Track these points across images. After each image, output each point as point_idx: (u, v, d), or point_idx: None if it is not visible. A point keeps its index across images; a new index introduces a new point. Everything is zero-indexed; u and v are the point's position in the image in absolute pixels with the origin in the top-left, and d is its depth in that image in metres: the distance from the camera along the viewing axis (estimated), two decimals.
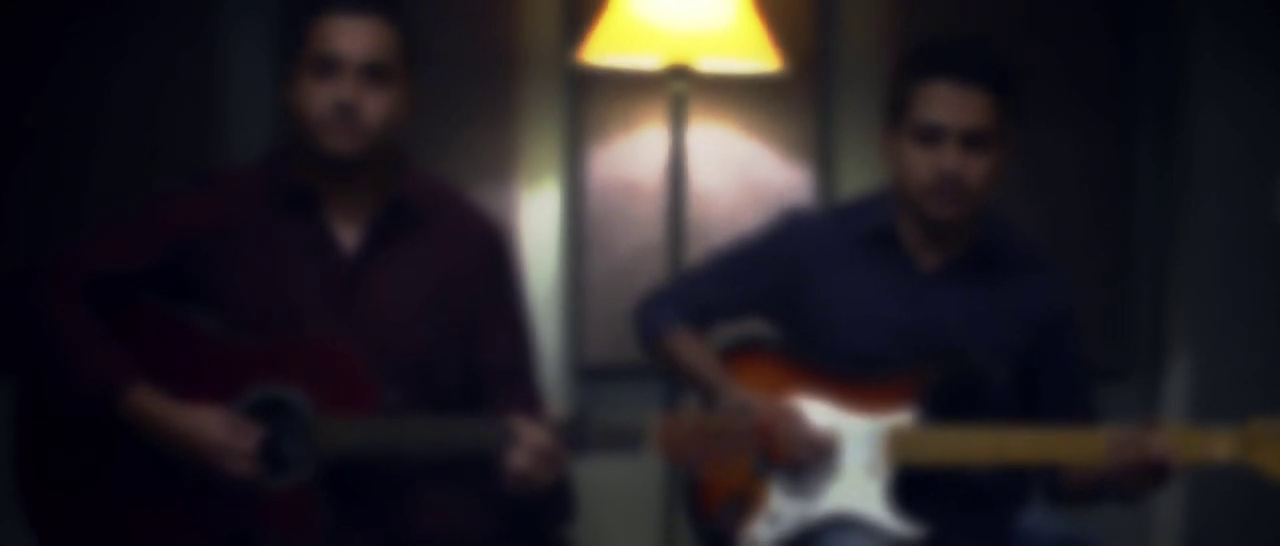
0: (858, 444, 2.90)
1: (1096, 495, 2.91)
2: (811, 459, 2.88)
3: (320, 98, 2.81)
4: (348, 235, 2.88)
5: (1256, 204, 4.06)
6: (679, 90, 3.85)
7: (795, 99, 4.10)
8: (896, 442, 2.89)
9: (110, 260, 2.83)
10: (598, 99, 4.10)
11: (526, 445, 2.72)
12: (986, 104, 2.86)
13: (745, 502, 2.92)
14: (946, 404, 2.90)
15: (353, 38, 2.81)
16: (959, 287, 2.97)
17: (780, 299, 3.06)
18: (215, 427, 2.74)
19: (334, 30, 2.81)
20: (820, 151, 4.12)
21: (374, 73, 2.82)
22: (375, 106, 2.82)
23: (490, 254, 2.97)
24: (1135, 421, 2.83)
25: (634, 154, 4.09)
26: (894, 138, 2.93)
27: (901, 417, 2.90)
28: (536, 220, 4.11)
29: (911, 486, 2.89)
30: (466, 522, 2.87)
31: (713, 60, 3.83)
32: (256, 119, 4.01)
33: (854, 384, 2.94)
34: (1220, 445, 2.78)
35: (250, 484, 2.74)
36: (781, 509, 2.92)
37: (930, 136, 2.87)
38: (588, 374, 4.14)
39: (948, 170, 2.86)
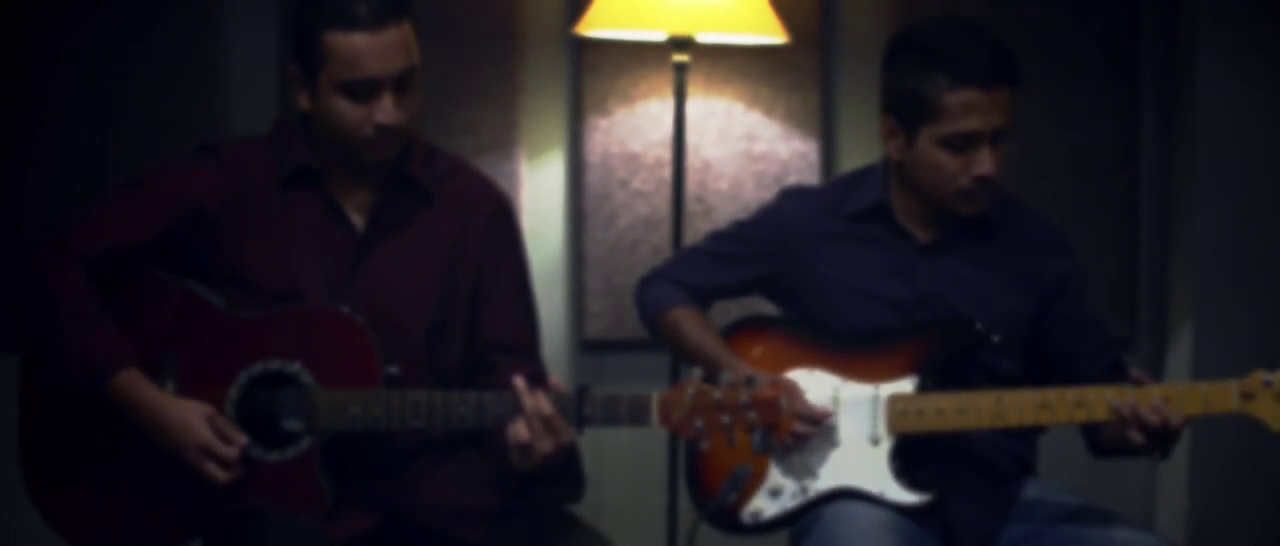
0: (860, 413, 2.90)
1: (1130, 450, 2.89)
2: (809, 434, 2.88)
3: (359, 118, 2.78)
4: (355, 211, 2.88)
5: (1259, 176, 4.06)
6: (681, 62, 3.85)
7: (797, 71, 4.10)
8: (898, 410, 2.89)
9: (116, 234, 2.81)
10: (600, 72, 4.09)
11: (527, 413, 2.72)
12: (1008, 98, 2.88)
13: (748, 476, 2.92)
14: (948, 372, 2.90)
15: (383, 57, 2.76)
16: (956, 259, 2.97)
17: (779, 277, 3.06)
18: (201, 428, 2.74)
19: (361, 51, 2.75)
20: (822, 124, 4.12)
21: (405, 80, 2.79)
22: (407, 110, 2.80)
23: (495, 223, 2.95)
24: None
25: (636, 126, 4.09)
26: (909, 133, 2.90)
27: (902, 385, 2.90)
28: (540, 193, 4.11)
29: (915, 455, 2.89)
30: (469, 495, 2.87)
31: (715, 33, 3.82)
32: (258, 106, 4.00)
33: (856, 356, 2.94)
34: (1219, 397, 2.78)
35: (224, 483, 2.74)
36: (783, 482, 2.92)
37: (965, 143, 2.87)
38: (590, 347, 4.15)
39: (984, 174, 2.87)
